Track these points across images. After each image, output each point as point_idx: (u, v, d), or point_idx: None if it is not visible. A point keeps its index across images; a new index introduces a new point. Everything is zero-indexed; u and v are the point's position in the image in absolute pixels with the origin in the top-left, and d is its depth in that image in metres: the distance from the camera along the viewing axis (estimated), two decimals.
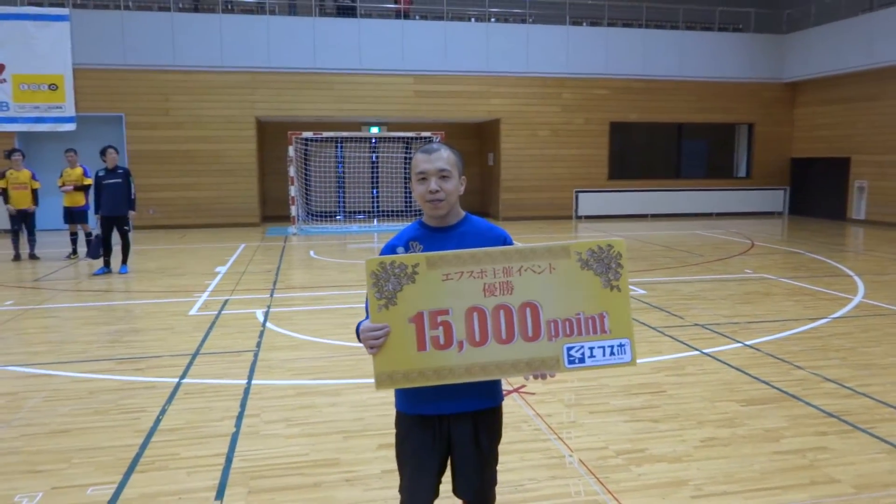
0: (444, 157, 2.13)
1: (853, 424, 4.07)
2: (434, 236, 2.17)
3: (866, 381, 4.85)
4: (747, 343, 5.88)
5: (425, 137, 16.93)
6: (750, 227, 16.26)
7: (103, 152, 9.60)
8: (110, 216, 9.59)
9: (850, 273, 9.53)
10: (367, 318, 2.01)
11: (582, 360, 1.94)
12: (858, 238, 14.29)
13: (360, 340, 2.02)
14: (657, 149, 19.61)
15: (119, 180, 9.54)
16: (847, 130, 17.43)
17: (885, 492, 3.25)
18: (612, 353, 1.95)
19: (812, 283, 8.70)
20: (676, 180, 19.18)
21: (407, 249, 2.14)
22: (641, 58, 18.18)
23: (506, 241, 2.19)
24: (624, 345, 1.96)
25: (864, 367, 5.19)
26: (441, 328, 1.93)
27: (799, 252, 11.78)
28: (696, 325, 6.55)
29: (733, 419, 4.17)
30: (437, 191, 2.11)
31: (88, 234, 11.18)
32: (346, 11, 17.24)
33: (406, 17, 17.53)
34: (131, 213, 9.74)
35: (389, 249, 2.17)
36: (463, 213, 2.24)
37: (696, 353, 5.60)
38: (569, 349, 1.94)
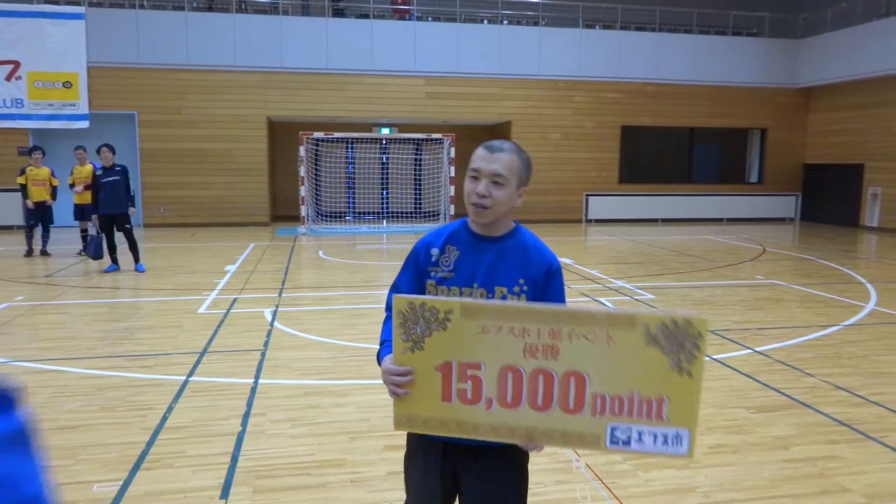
0: (504, 159, 1.88)
1: (865, 433, 4.02)
2: (474, 245, 1.96)
3: (879, 390, 4.80)
4: (757, 349, 5.83)
5: (436, 139, 16.93)
6: (761, 232, 16.15)
7: (98, 151, 9.62)
8: (109, 214, 9.60)
9: (863, 280, 9.44)
10: (389, 348, 1.83)
11: (627, 442, 1.66)
12: (871, 245, 14.16)
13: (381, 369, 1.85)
14: (669, 153, 19.53)
15: (117, 178, 9.52)
16: (861, 137, 17.29)
17: None
18: (665, 442, 1.65)
19: (824, 290, 8.62)
20: (688, 185, 19.08)
21: (442, 252, 1.97)
22: (654, 61, 18.10)
23: (550, 268, 1.95)
24: (682, 436, 1.64)
25: (877, 376, 5.13)
26: (470, 382, 1.72)
27: (811, 259, 11.68)
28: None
29: (742, 426, 4.13)
30: (485, 195, 1.87)
31: (84, 231, 11.25)
32: (339, 13, 17.27)
33: (404, 18, 17.53)
34: (130, 210, 9.74)
35: (424, 245, 2.01)
36: (513, 226, 2.01)
37: (706, 358, 5.54)
38: (613, 429, 1.66)
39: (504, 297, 1.90)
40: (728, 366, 5.35)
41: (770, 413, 4.35)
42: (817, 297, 8.17)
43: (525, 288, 1.91)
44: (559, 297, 1.96)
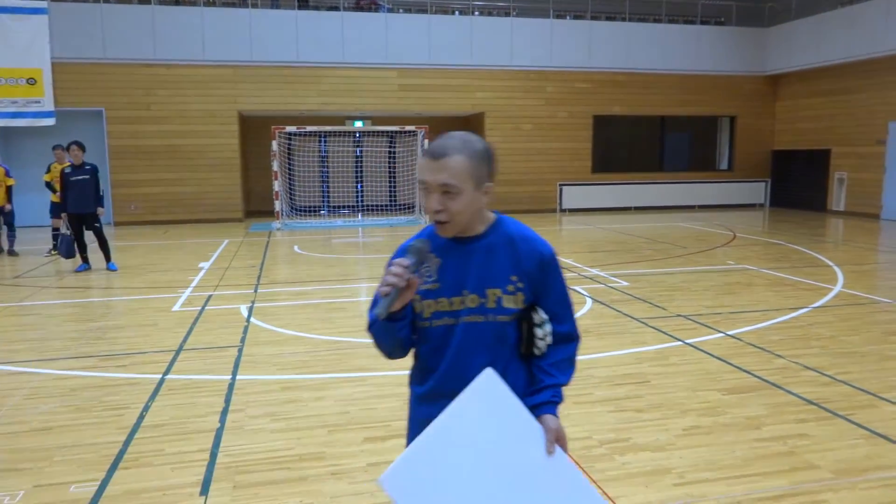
0: (451, 166, 1.66)
1: (832, 411, 4.13)
2: (454, 248, 1.79)
3: (845, 369, 4.93)
4: (729, 333, 5.94)
5: (409, 131, 16.90)
6: (732, 218, 16.40)
7: (67, 148, 9.44)
8: (78, 213, 9.40)
9: (830, 263, 9.65)
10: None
11: None
12: (838, 229, 14.47)
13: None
14: (640, 142, 19.71)
15: (86, 177, 9.34)
16: (827, 123, 17.62)
17: (862, 476, 3.31)
18: None
19: (793, 274, 8.80)
20: (659, 173, 19.30)
21: (425, 261, 1.81)
22: (624, 51, 18.24)
23: (542, 258, 1.80)
24: None
25: (844, 356, 5.26)
26: None
27: (780, 243, 11.90)
28: (680, 315, 6.61)
29: (715, 408, 4.22)
30: (439, 210, 1.69)
31: (56, 230, 11.04)
32: (309, 5, 17.13)
33: (371, 9, 17.42)
34: (99, 210, 9.57)
35: (403, 252, 1.79)
36: (492, 218, 1.83)
37: (679, 343, 5.65)
38: None
39: (499, 299, 1.77)
40: (701, 350, 5.45)
41: (742, 394, 4.45)
42: (786, 281, 8.34)
43: (520, 285, 1.78)
44: (558, 287, 1.85)
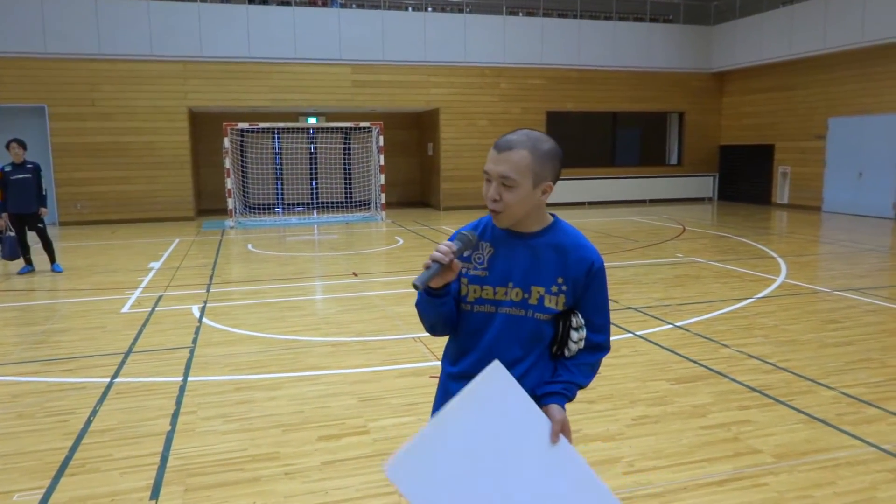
0: (513, 159, 1.74)
1: (774, 398, 4.29)
2: (508, 242, 1.86)
3: (786, 357, 5.12)
4: (678, 324, 6.11)
5: (364, 128, 16.81)
6: (681, 212, 16.81)
7: (7, 146, 9.09)
8: (20, 214, 9.10)
9: (774, 255, 9.99)
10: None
11: None
12: (782, 221, 14.97)
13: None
14: (593, 137, 19.99)
15: (27, 176, 9.00)
16: (771, 119, 18.19)
17: (801, 459, 3.45)
18: None
19: (739, 265, 9.08)
20: (611, 168, 19.63)
21: (475, 248, 1.88)
22: (576, 48, 18.48)
23: (591, 266, 1.85)
24: None
25: (785, 344, 5.47)
26: None
27: (727, 236, 12.26)
28: (630, 308, 6.76)
29: (664, 397, 4.34)
30: (496, 199, 1.77)
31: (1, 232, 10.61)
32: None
33: (326, 4, 17.29)
34: (42, 210, 9.26)
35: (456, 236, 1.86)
36: (550, 220, 1.89)
37: (630, 335, 5.78)
38: None
39: (541, 298, 1.83)
40: (650, 341, 5.59)
41: (689, 384, 4.58)
42: (733, 273, 8.60)
43: (564, 288, 1.83)
44: (601, 298, 1.90)
